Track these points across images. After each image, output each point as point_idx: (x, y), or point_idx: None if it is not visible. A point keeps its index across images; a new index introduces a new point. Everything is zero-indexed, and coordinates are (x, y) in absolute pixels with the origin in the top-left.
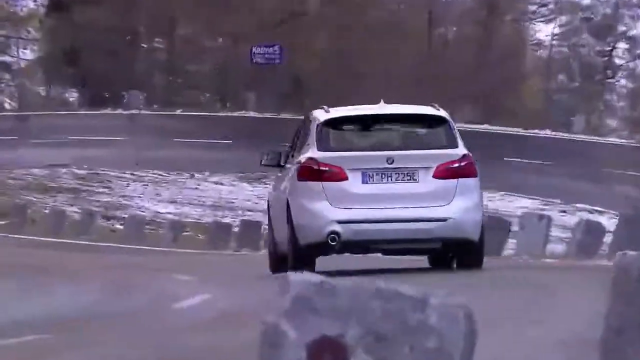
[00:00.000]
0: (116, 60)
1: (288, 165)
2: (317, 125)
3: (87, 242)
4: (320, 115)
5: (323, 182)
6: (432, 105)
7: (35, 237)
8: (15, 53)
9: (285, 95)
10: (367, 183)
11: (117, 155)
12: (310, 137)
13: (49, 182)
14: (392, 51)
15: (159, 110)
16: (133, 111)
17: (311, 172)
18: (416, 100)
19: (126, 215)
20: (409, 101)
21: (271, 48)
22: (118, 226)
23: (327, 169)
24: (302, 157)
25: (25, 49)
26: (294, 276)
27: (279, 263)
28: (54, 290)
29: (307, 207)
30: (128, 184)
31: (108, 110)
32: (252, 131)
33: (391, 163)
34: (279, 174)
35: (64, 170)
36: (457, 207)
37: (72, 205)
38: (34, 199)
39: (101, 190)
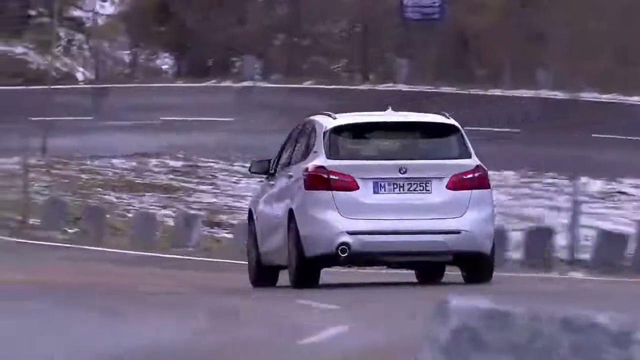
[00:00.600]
0: (223, 17)
1: (286, 171)
2: (325, 132)
3: (184, 256)
4: (327, 121)
5: (332, 192)
6: (441, 114)
7: (116, 250)
8: (92, 7)
9: (446, 62)
10: (378, 193)
11: (224, 142)
12: (317, 145)
13: (134, 178)
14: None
15: (281, 82)
16: (246, 83)
17: (320, 181)
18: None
19: (236, 222)
20: (607, 78)
21: (429, 0)
22: (225, 235)
23: (337, 177)
24: (310, 165)
25: (104, 0)
26: (456, 301)
27: (263, 275)
28: (145, 319)
29: (316, 217)
30: (238, 180)
31: (212, 82)
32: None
33: (404, 173)
34: (269, 182)
35: (153, 161)
36: (471, 219)
37: (164, 208)
38: (115, 200)
39: (203, 187)
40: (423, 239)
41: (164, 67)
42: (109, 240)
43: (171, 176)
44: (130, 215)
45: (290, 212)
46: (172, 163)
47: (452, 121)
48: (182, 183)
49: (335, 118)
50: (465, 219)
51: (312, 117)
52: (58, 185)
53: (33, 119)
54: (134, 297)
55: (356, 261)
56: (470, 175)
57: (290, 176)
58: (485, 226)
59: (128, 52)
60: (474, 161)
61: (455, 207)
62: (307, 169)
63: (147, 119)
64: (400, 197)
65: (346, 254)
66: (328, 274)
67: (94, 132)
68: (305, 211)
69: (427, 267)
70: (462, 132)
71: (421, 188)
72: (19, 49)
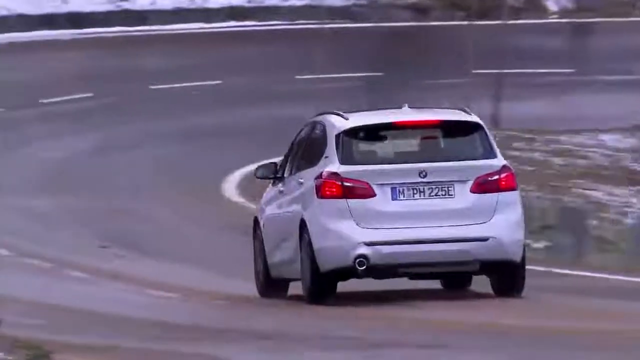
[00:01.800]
0: None
1: (295, 178)
2: (337, 135)
3: None
4: (338, 122)
5: (348, 200)
6: (462, 110)
7: (606, 275)
8: None
9: None
10: (397, 199)
11: None
12: (329, 148)
13: (634, 164)
14: None
15: None
16: None
17: (334, 188)
18: None
19: None
20: None
21: None
22: None
23: (352, 184)
24: (323, 171)
25: None
26: None
27: (271, 287)
28: None
29: (330, 227)
30: None
31: None
32: None
33: (424, 177)
34: (278, 187)
35: None
36: (498, 224)
37: None
38: (604, 198)
39: None
40: (447, 247)
41: None
42: (595, 259)
43: None
44: (629, 221)
45: (302, 222)
46: None
47: (474, 118)
48: None
49: (347, 118)
50: (492, 225)
51: (321, 117)
52: (517, 175)
53: (478, 71)
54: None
55: (375, 274)
56: (496, 177)
57: (301, 183)
58: (514, 232)
59: None
60: (499, 161)
61: (481, 212)
62: (319, 176)
63: None
64: (421, 203)
65: (364, 267)
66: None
67: (572, 92)
68: (319, 221)
69: (453, 276)
70: (486, 129)
71: (443, 193)
72: None
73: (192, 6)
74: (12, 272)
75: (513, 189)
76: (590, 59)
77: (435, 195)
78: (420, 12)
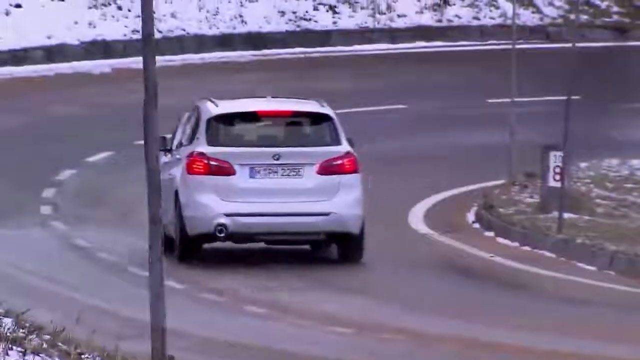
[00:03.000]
0: None
1: (176, 153)
2: (207, 120)
3: None
4: (210, 108)
5: (212, 177)
6: (317, 101)
7: None
8: None
9: None
10: (254, 178)
11: None
12: (200, 131)
13: None
14: None
15: None
16: None
17: (200, 166)
18: None
19: None
20: None
21: None
22: None
23: (216, 163)
24: (193, 151)
25: None
26: None
27: (167, 244)
28: None
29: (196, 200)
30: None
31: None
32: None
33: (277, 159)
34: (167, 158)
35: None
36: (339, 202)
37: None
38: None
39: None
40: (295, 220)
41: None
42: None
43: None
44: None
45: (176, 193)
46: None
47: (325, 110)
48: None
49: (217, 105)
50: (334, 202)
51: (199, 103)
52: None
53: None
54: None
55: (233, 239)
56: (339, 162)
57: (179, 159)
58: (353, 208)
59: None
60: (343, 148)
61: (325, 191)
62: (190, 154)
63: None
64: (274, 182)
65: (223, 234)
66: None
67: None
68: (187, 193)
69: (304, 243)
70: (335, 120)
71: (294, 173)
72: None
73: (377, 26)
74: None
75: (354, 172)
76: None
77: (287, 175)
78: (621, 31)
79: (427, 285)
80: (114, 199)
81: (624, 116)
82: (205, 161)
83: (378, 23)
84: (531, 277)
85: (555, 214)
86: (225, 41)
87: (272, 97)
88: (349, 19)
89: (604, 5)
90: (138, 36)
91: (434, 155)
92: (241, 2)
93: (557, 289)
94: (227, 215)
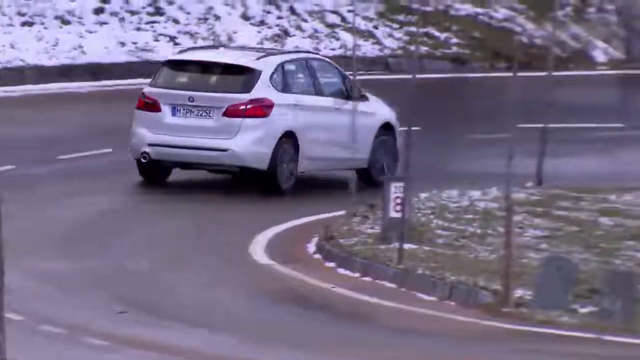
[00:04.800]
0: None
1: None
2: (163, 63)
3: None
4: (172, 53)
5: (145, 112)
6: (265, 55)
7: None
8: None
9: None
10: (175, 116)
11: None
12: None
13: None
14: None
15: None
16: None
17: (141, 103)
18: None
19: None
20: None
21: None
22: None
23: (149, 101)
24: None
25: None
26: None
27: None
28: None
29: (134, 130)
30: None
31: None
32: None
33: (192, 101)
34: None
35: None
36: (238, 140)
37: None
38: None
39: None
40: (201, 153)
41: None
42: None
43: None
44: None
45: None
46: None
47: (254, 64)
48: None
49: (179, 52)
50: (232, 140)
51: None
52: (563, 236)
53: (522, 125)
54: None
55: (155, 165)
56: (241, 107)
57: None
58: (252, 147)
59: None
60: (250, 96)
61: (227, 130)
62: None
63: None
64: (189, 121)
65: (146, 161)
66: None
67: (622, 148)
68: (133, 125)
69: (220, 172)
70: (262, 72)
71: (205, 114)
72: (502, 13)
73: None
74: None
75: (257, 116)
76: None
77: (200, 115)
78: (460, 62)
79: (266, 316)
80: None
81: (464, 147)
82: (143, 99)
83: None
84: (372, 308)
85: (396, 244)
86: (65, 72)
87: (225, 48)
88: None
89: (443, 37)
90: None
91: None
92: (81, 33)
93: (398, 319)
94: (150, 145)
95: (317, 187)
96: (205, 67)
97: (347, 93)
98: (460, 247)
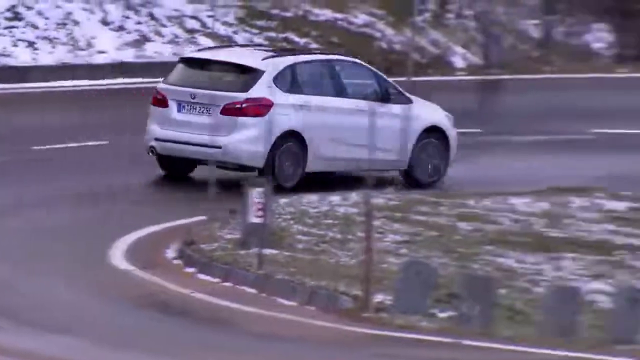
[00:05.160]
0: None
1: None
2: (178, 60)
3: None
4: (186, 52)
5: (156, 107)
6: (276, 55)
7: (516, 347)
8: None
9: None
10: (180, 112)
11: None
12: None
13: (545, 228)
14: None
15: None
16: None
17: (154, 99)
18: None
19: None
20: None
21: None
22: None
23: (160, 97)
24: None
25: None
26: None
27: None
28: None
29: (148, 125)
30: None
31: None
32: None
33: (193, 98)
34: None
35: (577, 201)
36: (232, 138)
37: (595, 279)
38: (514, 264)
39: None
40: (199, 149)
41: (598, 46)
42: (504, 330)
43: (609, 226)
44: (539, 290)
45: None
46: (611, 204)
47: (257, 64)
48: (627, 238)
49: (196, 51)
50: (227, 138)
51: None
52: (422, 241)
53: None
54: None
55: (162, 158)
56: (237, 106)
57: None
58: (247, 145)
59: (536, 22)
60: (248, 95)
61: (224, 128)
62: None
63: (571, 130)
64: (192, 117)
65: (153, 154)
66: None
67: (481, 153)
68: (148, 120)
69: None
70: (263, 71)
71: (205, 111)
72: (361, 18)
73: (77, 62)
74: None
75: (253, 115)
76: (499, 117)
77: (201, 113)
78: None
79: (126, 321)
80: None
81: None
82: (155, 95)
83: (77, 58)
84: (232, 313)
85: (257, 249)
86: None
87: (239, 46)
88: (48, 55)
89: (302, 42)
90: None
91: (139, 191)
92: None
93: (258, 325)
94: (157, 139)
95: (179, 192)
96: (211, 66)
97: (383, 95)
98: (320, 252)
